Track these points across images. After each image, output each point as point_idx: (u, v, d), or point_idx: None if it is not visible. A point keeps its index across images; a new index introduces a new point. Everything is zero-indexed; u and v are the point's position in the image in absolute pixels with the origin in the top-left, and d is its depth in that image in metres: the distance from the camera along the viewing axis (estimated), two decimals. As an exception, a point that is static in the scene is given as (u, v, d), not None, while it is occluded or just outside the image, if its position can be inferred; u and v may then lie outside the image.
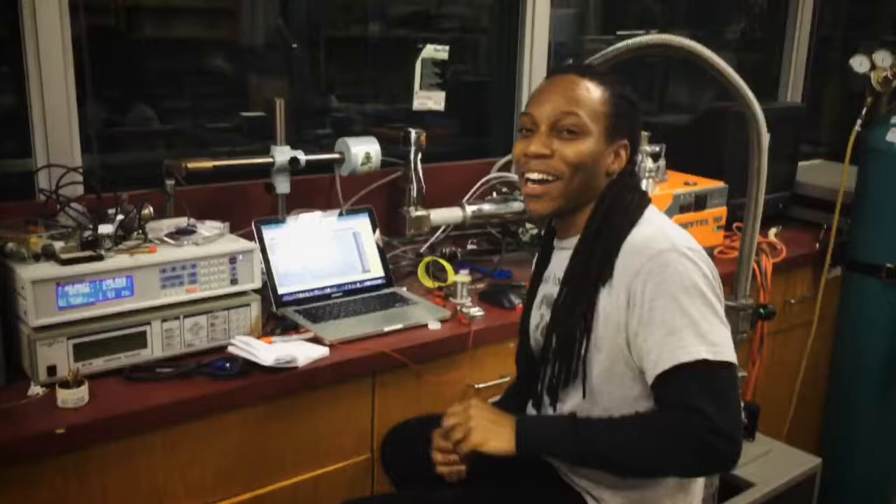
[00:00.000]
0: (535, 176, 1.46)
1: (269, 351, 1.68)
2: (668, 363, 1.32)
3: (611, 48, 1.99)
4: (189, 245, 1.74)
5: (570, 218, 1.51)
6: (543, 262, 1.63)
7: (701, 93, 3.91)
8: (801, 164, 3.11)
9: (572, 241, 1.50)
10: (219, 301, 1.74)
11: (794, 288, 2.77)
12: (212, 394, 1.62)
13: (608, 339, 1.40)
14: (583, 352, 1.42)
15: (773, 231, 2.78)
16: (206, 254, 1.72)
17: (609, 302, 1.39)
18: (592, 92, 1.45)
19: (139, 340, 1.65)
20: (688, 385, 1.31)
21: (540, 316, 1.58)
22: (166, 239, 1.74)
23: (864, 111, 2.62)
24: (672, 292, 1.33)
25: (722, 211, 2.60)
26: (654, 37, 1.95)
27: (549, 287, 1.57)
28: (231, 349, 1.70)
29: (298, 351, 1.73)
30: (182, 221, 1.87)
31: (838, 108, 4.12)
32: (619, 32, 3.66)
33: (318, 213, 2.12)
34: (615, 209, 1.45)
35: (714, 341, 1.32)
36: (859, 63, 2.62)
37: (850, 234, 2.75)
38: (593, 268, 1.42)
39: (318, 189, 2.48)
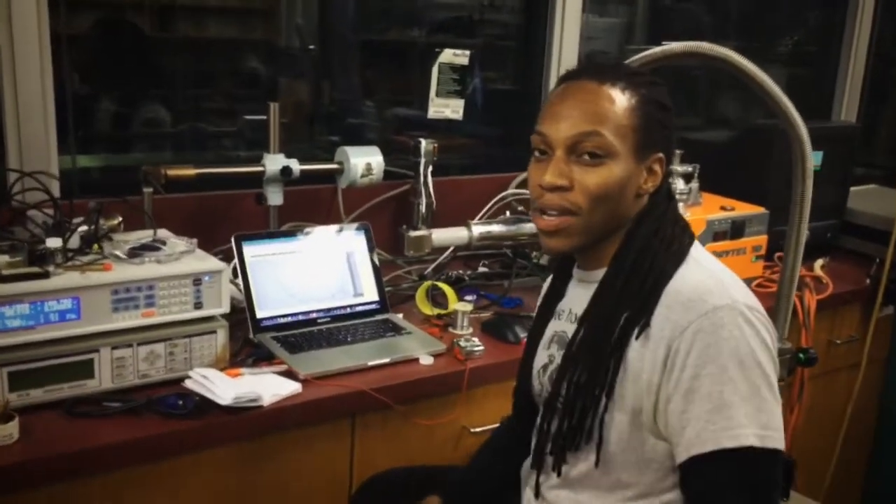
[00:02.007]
0: (551, 212, 1.22)
1: (229, 386, 1.48)
2: (707, 445, 1.10)
3: (639, 55, 1.77)
4: (149, 263, 1.56)
5: (594, 249, 1.27)
6: (556, 294, 1.39)
7: (751, 108, 3.67)
8: (852, 189, 2.84)
9: (596, 275, 1.27)
10: (179, 327, 1.55)
11: (841, 327, 2.50)
12: (162, 434, 1.42)
13: (633, 398, 1.17)
14: (601, 410, 1.19)
15: (818, 263, 2.52)
16: (166, 273, 1.53)
17: (641, 356, 1.16)
18: (617, 102, 1.19)
19: (85, 370, 1.47)
20: (726, 476, 1.10)
21: (548, 357, 1.35)
22: (122, 255, 1.55)
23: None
24: (724, 361, 1.10)
25: (762, 239, 2.35)
26: (687, 44, 1.72)
27: (563, 324, 1.34)
28: (187, 383, 1.51)
29: (265, 387, 1.53)
30: (148, 235, 1.69)
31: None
32: (664, 43, 3.45)
33: (308, 229, 1.93)
34: (653, 241, 1.22)
35: (765, 423, 1.10)
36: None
37: (904, 268, 2.48)
38: (625, 312, 1.19)
39: (316, 201, 2.29)
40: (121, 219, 1.73)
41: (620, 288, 1.21)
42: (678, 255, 1.20)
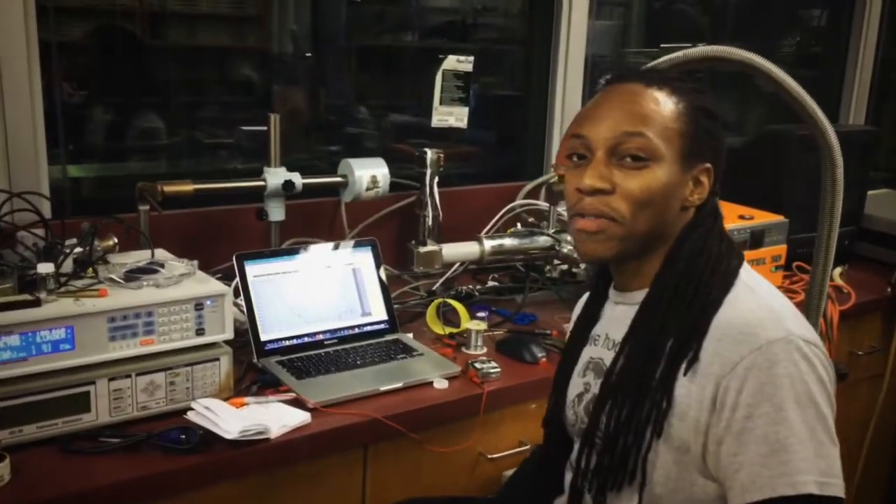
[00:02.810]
0: (590, 218, 1.13)
1: (234, 419, 1.39)
2: (764, 492, 1.01)
3: (664, 58, 1.68)
4: (148, 287, 1.46)
5: (634, 264, 1.18)
6: (591, 316, 1.29)
7: (748, 111, 3.60)
8: (868, 194, 2.76)
9: (636, 296, 1.18)
10: (180, 355, 1.46)
11: (862, 338, 2.43)
12: (164, 472, 1.33)
13: (680, 437, 1.08)
14: (645, 448, 1.09)
15: (837, 271, 2.44)
16: (165, 299, 1.44)
17: (688, 393, 1.07)
18: (663, 105, 1.12)
19: (81, 403, 1.38)
20: None
21: (584, 385, 1.26)
22: (119, 279, 1.46)
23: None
24: (780, 400, 1.01)
25: (781, 249, 2.27)
26: (713, 48, 1.64)
27: (599, 350, 1.24)
28: (189, 415, 1.41)
29: (272, 417, 1.44)
30: (145, 257, 1.59)
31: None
32: (662, 45, 3.40)
33: (313, 246, 1.83)
34: (698, 261, 1.13)
35: (824, 469, 1.01)
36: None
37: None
38: (669, 339, 1.09)
39: (319, 215, 2.20)
40: (116, 240, 1.64)
41: (664, 312, 1.12)
42: (726, 279, 1.11)
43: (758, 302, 1.09)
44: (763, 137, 2.68)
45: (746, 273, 1.14)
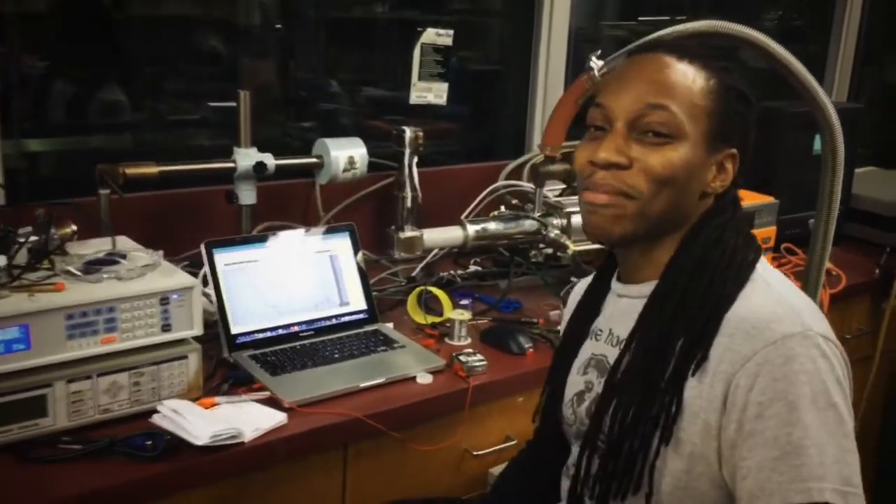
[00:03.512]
0: (601, 198, 1.05)
1: (204, 422, 1.29)
2: (773, 500, 0.92)
3: (665, 31, 1.60)
4: (109, 280, 1.36)
5: (644, 252, 1.09)
6: (591, 309, 1.20)
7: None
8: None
9: (642, 289, 1.09)
10: (145, 353, 1.36)
11: (850, 321, 2.37)
12: (129, 481, 1.23)
13: (691, 442, 0.99)
14: (652, 455, 1.01)
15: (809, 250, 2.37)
16: (128, 293, 1.33)
17: (699, 394, 0.99)
18: (692, 79, 1.03)
19: (37, 407, 1.27)
20: None
21: (584, 384, 1.17)
22: (77, 272, 1.35)
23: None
24: (794, 399, 0.93)
25: (771, 231, 2.21)
26: (716, 23, 1.56)
27: (601, 346, 1.15)
28: (155, 419, 1.31)
29: (245, 419, 1.34)
30: (106, 245, 1.48)
31: (884, 108, 3.72)
32: (640, 18, 3.31)
33: (287, 232, 1.73)
34: (713, 253, 1.04)
35: (846, 477, 0.92)
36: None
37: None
38: (680, 338, 1.01)
39: (292, 198, 2.10)
40: (74, 227, 1.52)
41: (674, 307, 1.03)
42: (741, 273, 1.02)
43: (774, 297, 1.00)
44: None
45: (763, 267, 1.06)
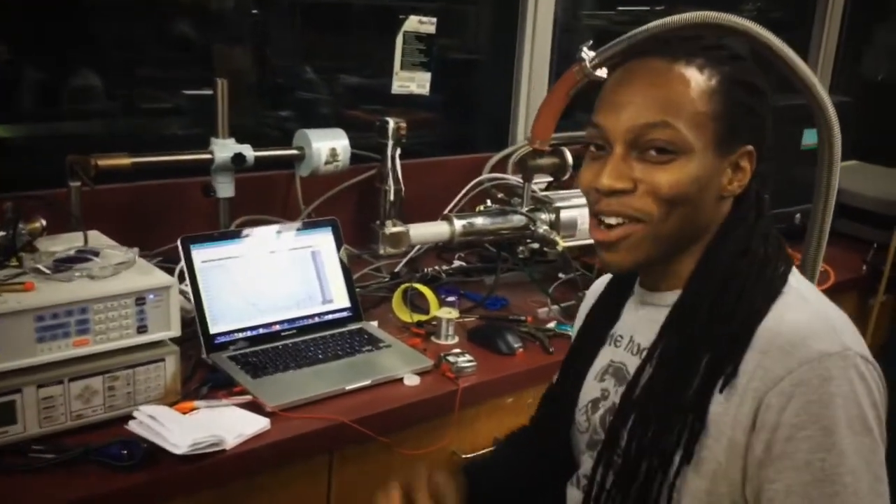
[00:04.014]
0: (610, 220, 0.99)
1: (183, 429, 1.23)
2: None
3: (656, 23, 1.55)
4: (80, 279, 1.28)
5: (666, 264, 1.03)
6: (611, 313, 1.13)
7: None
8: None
9: (666, 298, 1.03)
10: (120, 356, 1.29)
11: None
12: (105, 493, 1.16)
13: (716, 461, 0.93)
14: (672, 474, 0.95)
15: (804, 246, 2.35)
16: (101, 293, 1.26)
17: (725, 411, 0.93)
18: (692, 84, 0.95)
19: (6, 414, 1.20)
20: None
21: (601, 391, 1.10)
22: (47, 270, 1.27)
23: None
24: (829, 423, 0.87)
25: (759, 226, 2.17)
26: (700, 14, 1.52)
27: (621, 354, 1.09)
28: (131, 425, 1.25)
29: (226, 425, 1.28)
30: (78, 241, 1.41)
31: (861, 101, 3.71)
32: (619, 8, 3.27)
33: (267, 227, 1.66)
34: (740, 264, 0.98)
35: None
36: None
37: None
38: (707, 353, 0.95)
39: (271, 191, 2.03)
40: (44, 222, 1.45)
41: (701, 322, 0.97)
42: (773, 285, 0.96)
43: (811, 312, 0.94)
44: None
45: (796, 279, 1.00)
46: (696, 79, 0.96)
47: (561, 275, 1.95)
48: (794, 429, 0.88)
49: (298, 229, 1.69)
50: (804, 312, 0.94)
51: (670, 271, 1.02)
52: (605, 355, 1.10)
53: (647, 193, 0.95)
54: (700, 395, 0.93)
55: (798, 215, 2.40)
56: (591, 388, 1.11)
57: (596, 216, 1.00)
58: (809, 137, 2.40)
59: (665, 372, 0.97)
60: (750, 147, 0.99)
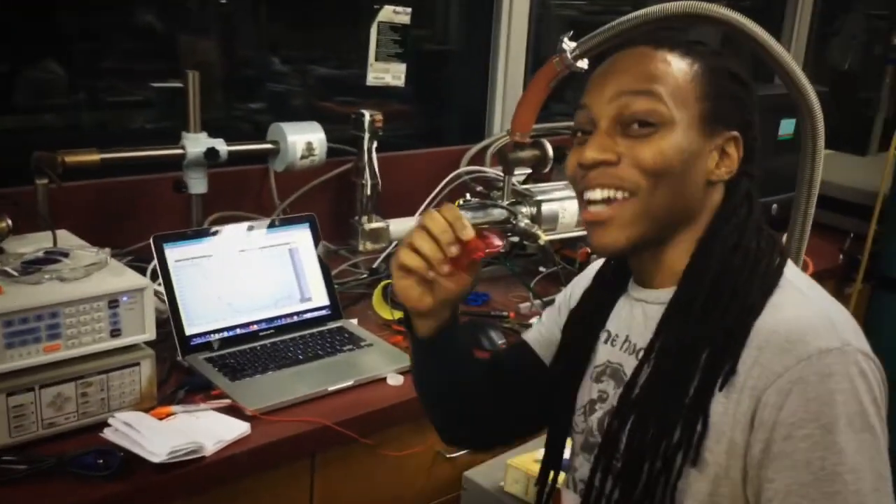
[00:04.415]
0: (596, 195, 0.96)
1: (161, 436, 1.18)
2: None
3: (636, 14, 1.52)
4: (50, 281, 1.23)
5: (655, 255, 1.00)
6: (603, 310, 1.09)
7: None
8: (814, 156, 2.68)
9: (660, 295, 0.99)
10: (93, 362, 1.24)
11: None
12: (81, 503, 1.12)
13: (717, 463, 0.91)
14: (674, 476, 0.92)
15: (785, 237, 2.35)
16: (72, 296, 1.21)
17: (725, 410, 0.90)
18: (675, 65, 0.95)
19: (-28, 424, 1.15)
20: None
21: (599, 393, 1.06)
22: (14, 272, 1.22)
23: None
24: (829, 421, 0.85)
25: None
26: (692, 4, 1.48)
27: (618, 354, 1.05)
28: (107, 433, 1.20)
29: (205, 431, 1.24)
30: (46, 241, 1.36)
31: (832, 90, 3.73)
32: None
33: (242, 224, 1.62)
34: (734, 258, 0.95)
35: None
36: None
37: (879, 244, 2.33)
38: (705, 350, 0.92)
39: (244, 186, 1.98)
40: (10, 221, 1.39)
41: (697, 318, 0.94)
42: (768, 279, 0.94)
43: (809, 306, 0.92)
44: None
45: (792, 273, 0.97)
46: (679, 62, 0.96)
47: (542, 269, 1.93)
48: (792, 427, 0.86)
49: (275, 226, 1.64)
50: (802, 308, 0.91)
51: (663, 264, 0.99)
52: (602, 355, 1.07)
53: (631, 166, 0.94)
54: (700, 394, 0.91)
55: (775, 206, 2.39)
56: (588, 388, 1.07)
57: (582, 195, 0.98)
58: (786, 128, 2.40)
59: (663, 372, 0.95)
60: (735, 133, 0.97)
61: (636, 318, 1.02)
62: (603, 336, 1.07)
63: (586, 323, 1.10)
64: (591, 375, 1.07)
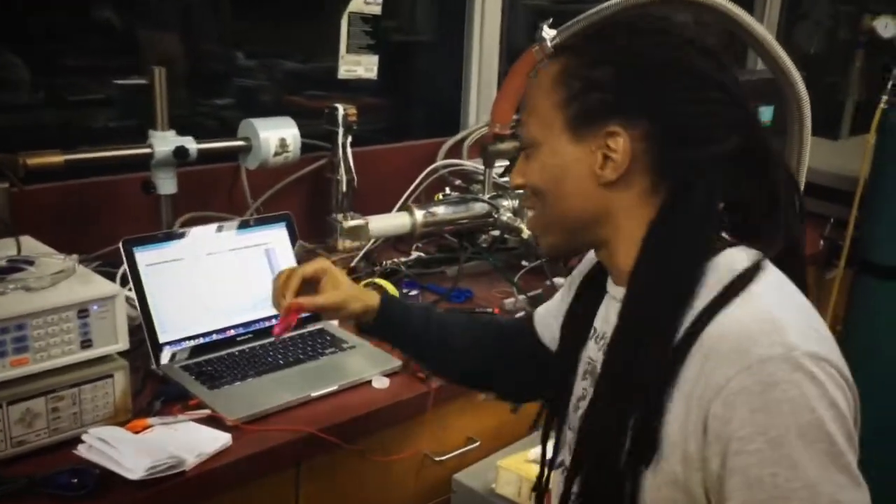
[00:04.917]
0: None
1: (138, 451, 1.12)
2: None
3: (605, 5, 1.50)
4: (15, 291, 1.16)
5: (607, 256, 0.99)
6: (590, 308, 1.06)
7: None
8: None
9: (621, 292, 0.96)
10: (63, 375, 1.17)
11: (797, 293, 2.34)
12: (53, 525, 1.06)
13: (673, 472, 0.87)
14: (629, 486, 0.88)
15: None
16: (39, 306, 1.14)
17: (674, 418, 0.86)
18: (542, 79, 0.96)
19: (-64, 445, 1.08)
20: None
21: (582, 391, 1.04)
22: (-24, 285, 1.15)
23: (891, 83, 2.16)
24: (777, 434, 0.80)
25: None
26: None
27: (596, 351, 1.02)
28: (80, 450, 1.13)
29: (185, 443, 1.18)
30: (9, 248, 1.28)
31: (813, 73, 3.73)
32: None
33: (215, 225, 1.55)
34: (671, 256, 0.91)
35: None
36: (884, 26, 2.16)
37: (859, 228, 2.32)
38: (645, 362, 0.88)
39: (215, 185, 1.91)
40: (-30, 228, 1.32)
41: (644, 320, 0.90)
42: (719, 282, 0.88)
43: (756, 310, 0.85)
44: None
45: (754, 273, 0.88)
46: (552, 71, 0.96)
47: (525, 262, 1.89)
48: (741, 442, 0.81)
49: (249, 226, 1.58)
50: (749, 311, 0.85)
51: (614, 265, 0.98)
52: (589, 352, 1.04)
53: (528, 188, 1.00)
54: (652, 401, 0.87)
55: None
56: (577, 387, 1.05)
57: None
58: (765, 115, 2.38)
59: (616, 375, 0.92)
60: (614, 128, 0.91)
61: (611, 315, 0.99)
62: (591, 334, 1.05)
63: (576, 322, 1.08)
64: (580, 374, 1.05)
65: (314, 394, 1.35)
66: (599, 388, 0.95)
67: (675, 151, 0.91)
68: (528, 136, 0.98)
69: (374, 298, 1.20)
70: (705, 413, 0.83)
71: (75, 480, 1.09)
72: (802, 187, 1.61)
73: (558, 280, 1.71)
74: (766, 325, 0.83)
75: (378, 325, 1.20)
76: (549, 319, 1.20)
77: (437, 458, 1.50)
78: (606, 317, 1.01)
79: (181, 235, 1.50)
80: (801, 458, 0.79)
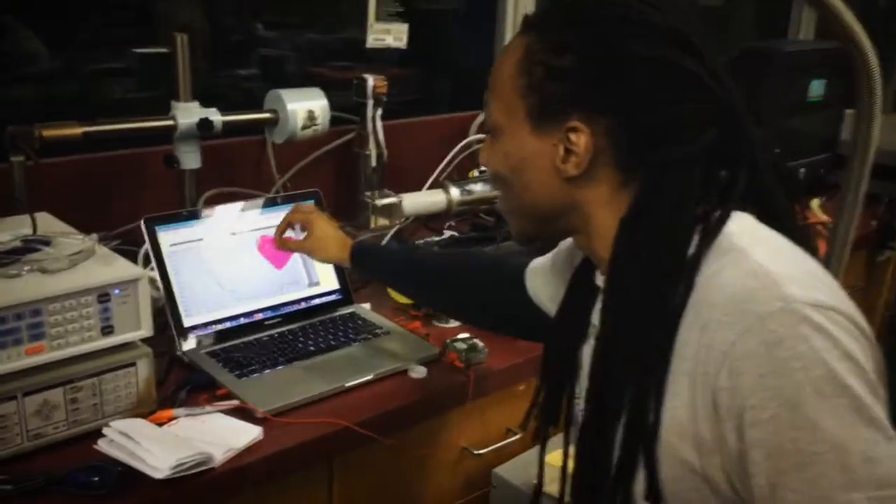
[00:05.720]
0: None
1: (164, 447, 1.04)
2: None
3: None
4: (31, 273, 1.08)
5: (583, 245, 0.93)
6: (582, 303, 0.98)
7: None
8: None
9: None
10: (83, 364, 1.09)
11: (845, 277, 2.23)
12: (73, 526, 0.98)
13: (686, 460, 0.80)
14: (630, 486, 0.83)
15: (815, 203, 2.22)
16: (56, 290, 1.06)
17: (681, 402, 0.79)
18: (507, 59, 0.89)
19: (-53, 439, 1.00)
20: None
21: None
22: (-10, 267, 1.07)
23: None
24: (791, 395, 0.72)
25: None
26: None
27: (591, 345, 0.95)
28: (101, 445, 1.06)
29: (213, 437, 1.10)
30: (24, 226, 1.20)
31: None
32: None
33: (241, 203, 1.47)
34: (640, 252, 0.84)
35: (880, 476, 0.71)
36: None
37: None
38: (640, 338, 0.82)
39: (240, 160, 1.83)
40: (-17, 205, 1.24)
41: (628, 303, 0.84)
42: (683, 243, 0.82)
43: (747, 267, 0.78)
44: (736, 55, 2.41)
45: (739, 232, 0.82)
46: (514, 52, 0.88)
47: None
48: (754, 410, 0.73)
49: (276, 203, 1.49)
50: (735, 268, 0.78)
51: (594, 254, 0.92)
52: (586, 350, 0.97)
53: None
54: (648, 388, 0.81)
55: (803, 170, 2.27)
56: (582, 386, 0.97)
57: None
58: (816, 89, 2.26)
59: (605, 366, 0.87)
60: (574, 123, 0.84)
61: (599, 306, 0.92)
62: (590, 330, 0.97)
63: (571, 321, 1.00)
64: (586, 368, 0.97)
65: (348, 384, 1.27)
66: (595, 374, 0.89)
67: (641, 149, 0.84)
68: (491, 120, 0.92)
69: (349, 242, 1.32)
70: (712, 388, 0.76)
71: (96, 478, 1.01)
72: (869, 165, 1.51)
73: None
74: (761, 279, 0.77)
75: (355, 265, 1.32)
76: (537, 281, 1.18)
77: (476, 452, 1.41)
78: (597, 308, 0.94)
79: (205, 214, 1.42)
80: (821, 418, 0.72)
